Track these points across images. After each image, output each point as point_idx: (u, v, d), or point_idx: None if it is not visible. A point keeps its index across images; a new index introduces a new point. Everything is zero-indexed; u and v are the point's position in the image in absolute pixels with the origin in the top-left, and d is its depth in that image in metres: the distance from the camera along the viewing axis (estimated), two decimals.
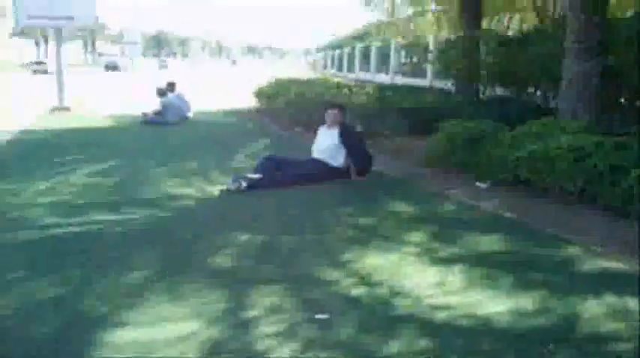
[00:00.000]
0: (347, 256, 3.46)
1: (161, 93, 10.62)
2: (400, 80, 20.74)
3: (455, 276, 3.16)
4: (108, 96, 16.63)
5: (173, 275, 3.13)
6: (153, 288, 2.96)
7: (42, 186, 5.17)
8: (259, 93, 12.89)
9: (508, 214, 4.40)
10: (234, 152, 7.34)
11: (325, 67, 33.94)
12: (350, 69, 29.03)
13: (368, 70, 25.88)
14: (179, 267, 3.25)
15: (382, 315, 2.70)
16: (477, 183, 5.32)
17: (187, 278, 3.09)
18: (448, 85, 12.26)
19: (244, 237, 3.79)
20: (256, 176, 5.31)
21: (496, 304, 2.81)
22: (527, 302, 2.84)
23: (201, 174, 5.84)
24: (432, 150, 6.15)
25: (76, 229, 3.94)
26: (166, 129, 9.64)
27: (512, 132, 5.63)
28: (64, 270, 3.17)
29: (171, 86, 11.02)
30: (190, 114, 11.07)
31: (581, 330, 2.58)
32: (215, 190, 5.12)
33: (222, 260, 3.40)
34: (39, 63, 41.02)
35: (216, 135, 9.09)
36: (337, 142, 5.62)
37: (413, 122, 8.45)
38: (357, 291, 2.95)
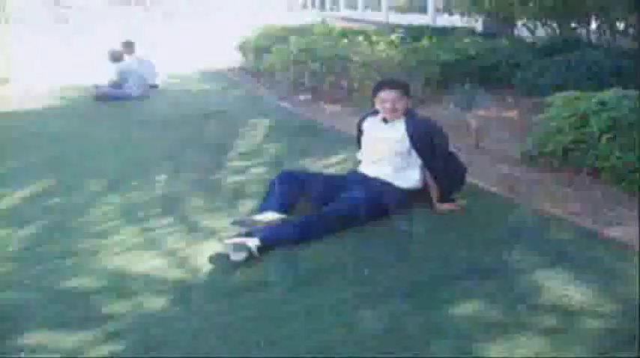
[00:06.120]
0: None
1: (116, 57, 8.07)
2: (394, 18, 18.09)
3: None
4: (62, 60, 13.91)
5: None
6: None
7: None
8: (244, 47, 10.34)
9: None
10: (224, 149, 4.98)
11: (305, 5, 30.63)
12: (333, 7, 25.96)
13: (355, 7, 22.95)
14: None
15: None
16: None
17: None
18: (459, 21, 9.78)
19: None
20: (271, 218, 3.04)
21: None
22: None
23: (178, 213, 3.50)
24: (544, 143, 3.81)
25: None
26: (126, 109, 7.18)
27: None
28: None
29: (128, 47, 8.47)
30: (158, 83, 8.59)
31: None
32: (203, 259, 2.81)
33: None
34: None
35: (194, 118, 6.49)
36: (407, 146, 3.26)
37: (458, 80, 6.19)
38: None
